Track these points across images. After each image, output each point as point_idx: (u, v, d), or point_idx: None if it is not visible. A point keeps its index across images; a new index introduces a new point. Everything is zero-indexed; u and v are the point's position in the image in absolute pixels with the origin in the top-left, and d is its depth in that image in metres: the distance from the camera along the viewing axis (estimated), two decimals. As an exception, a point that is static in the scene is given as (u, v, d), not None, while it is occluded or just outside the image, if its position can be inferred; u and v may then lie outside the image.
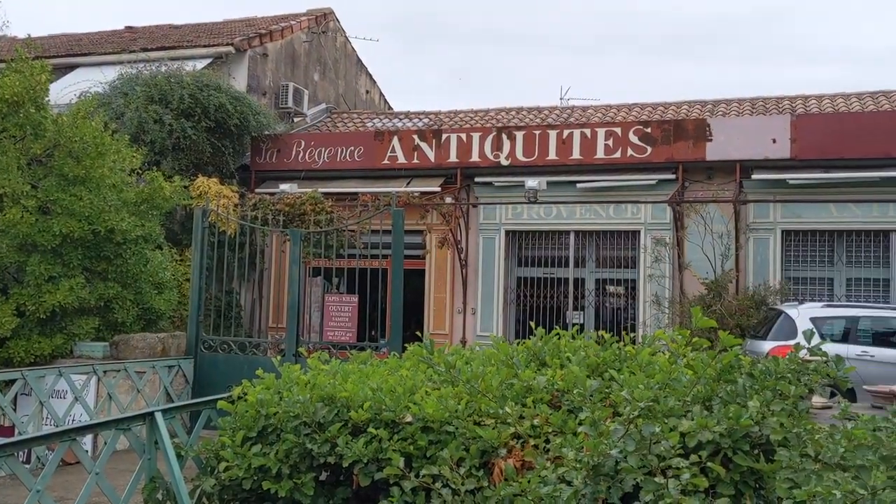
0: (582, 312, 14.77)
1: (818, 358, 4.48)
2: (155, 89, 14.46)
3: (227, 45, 16.56)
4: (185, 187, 12.67)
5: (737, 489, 3.68)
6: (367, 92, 22.36)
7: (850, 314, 10.97)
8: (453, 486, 3.81)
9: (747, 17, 53.65)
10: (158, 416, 4.91)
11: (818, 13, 53.24)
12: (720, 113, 15.67)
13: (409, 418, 4.19)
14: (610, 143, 14.11)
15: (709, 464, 3.53)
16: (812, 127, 13.14)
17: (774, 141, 13.11)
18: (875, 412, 6.25)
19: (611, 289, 15.13)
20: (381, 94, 23.27)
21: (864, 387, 9.64)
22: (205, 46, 16.82)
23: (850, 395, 10.09)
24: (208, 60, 16.48)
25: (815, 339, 4.36)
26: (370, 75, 22.54)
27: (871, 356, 10.42)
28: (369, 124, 18.13)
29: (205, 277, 10.79)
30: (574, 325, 6.59)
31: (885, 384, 8.83)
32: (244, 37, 16.86)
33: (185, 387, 10.18)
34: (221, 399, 5.02)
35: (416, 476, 3.93)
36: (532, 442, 4.00)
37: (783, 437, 3.71)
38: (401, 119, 18.46)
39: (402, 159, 15.28)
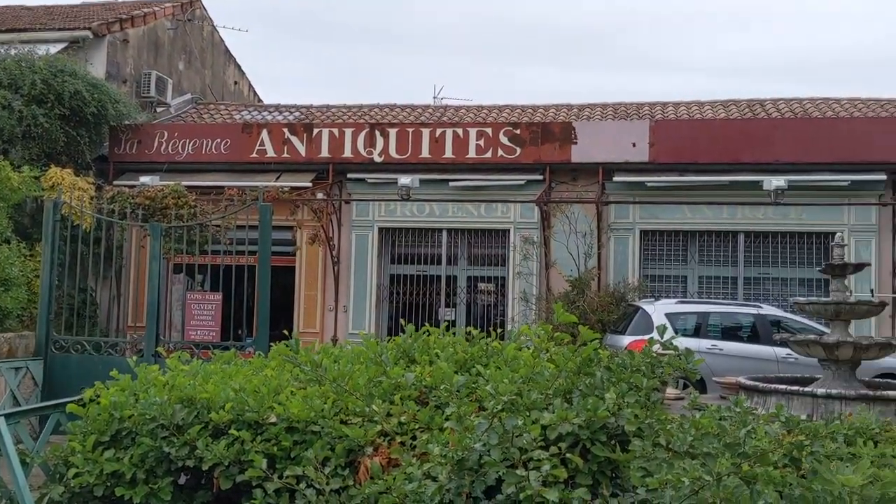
0: (454, 309, 14.95)
1: (671, 352, 4.68)
2: (4, 73, 13.49)
3: (85, 28, 15.66)
4: (36, 178, 11.89)
5: (594, 479, 3.79)
6: (236, 83, 21.72)
7: (701, 310, 11.65)
8: (318, 487, 3.75)
9: (609, 28, 55.98)
10: (1, 420, 4.58)
11: (675, 26, 56.19)
12: (585, 117, 16.25)
13: (272, 419, 4.09)
14: (481, 143, 14.35)
15: (568, 455, 3.62)
16: (669, 132, 13.86)
17: (634, 145, 13.72)
18: (723, 402, 6.67)
19: (482, 286, 15.40)
20: (251, 87, 22.67)
21: (714, 378, 10.26)
22: (60, 30, 15.83)
23: (701, 387, 10.71)
24: (63, 45, 15.52)
25: (669, 334, 4.56)
26: (239, 66, 21.91)
27: (720, 349, 11.10)
28: (237, 116, 17.61)
29: (56, 274, 10.15)
30: (445, 321, 6.64)
31: (732, 376, 9.43)
32: (103, 21, 15.99)
33: (35, 390, 9.54)
34: (71, 402, 4.73)
35: (280, 477, 3.85)
36: (399, 439, 3.99)
37: (637, 427, 3.85)
38: (271, 112, 18.05)
39: (271, 153, 14.94)
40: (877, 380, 9.88)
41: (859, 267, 9.26)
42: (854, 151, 12.92)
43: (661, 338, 4.63)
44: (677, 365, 4.63)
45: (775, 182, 11.96)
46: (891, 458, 5.16)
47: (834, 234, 9.78)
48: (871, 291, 12.45)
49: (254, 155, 14.99)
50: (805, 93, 18.40)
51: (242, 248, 9.88)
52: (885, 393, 7.82)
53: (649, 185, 13.73)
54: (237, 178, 14.61)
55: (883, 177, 12.88)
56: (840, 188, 13.04)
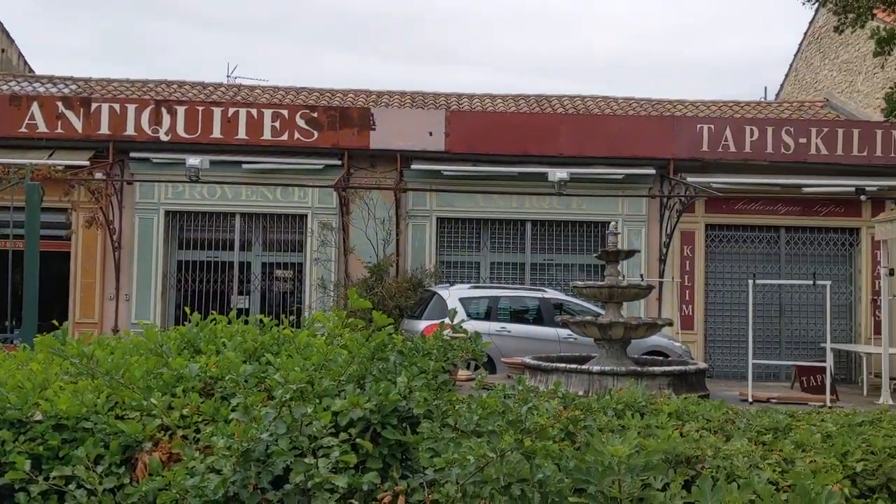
0: (248, 297, 14.50)
1: (461, 335, 4.79)
2: None
3: None
4: None
5: (385, 462, 3.81)
6: (3, 51, 19.62)
7: (492, 294, 12.14)
8: (89, 487, 3.47)
9: (408, 18, 56.76)
10: None
11: (467, 22, 58.04)
12: (384, 104, 16.35)
13: (38, 416, 3.74)
14: (277, 125, 13.99)
15: (358, 440, 3.61)
16: (464, 123, 14.27)
17: (431, 134, 14.00)
18: (509, 381, 7.00)
19: (278, 273, 15.05)
20: (21, 55, 20.58)
21: (502, 359, 10.74)
22: None
23: (491, 367, 11.16)
24: None
25: (459, 318, 4.67)
26: (7, 32, 19.80)
27: (509, 331, 11.63)
28: (4, 87, 15.94)
29: None
30: (236, 309, 6.40)
31: (519, 356, 9.92)
32: None
33: None
34: None
35: (46, 479, 3.52)
36: (181, 433, 3.79)
37: (426, 409, 3.91)
38: (43, 84, 16.50)
39: (43, 128, 13.65)
40: (645, 357, 10.81)
41: (630, 253, 10.07)
42: (628, 147, 14.00)
43: (452, 321, 4.74)
44: (466, 347, 4.76)
45: (559, 174, 12.68)
46: (655, 428, 5.64)
47: (609, 223, 10.56)
48: (641, 276, 13.59)
49: (23, 129, 13.62)
50: (585, 91, 19.65)
51: (6, 232, 8.95)
52: (651, 369, 8.56)
53: (445, 173, 14.06)
54: (3, 155, 13.22)
55: (652, 171, 14.07)
56: (615, 181, 14.08)
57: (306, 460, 3.33)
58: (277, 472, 3.35)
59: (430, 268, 13.95)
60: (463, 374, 8.29)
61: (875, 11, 6.44)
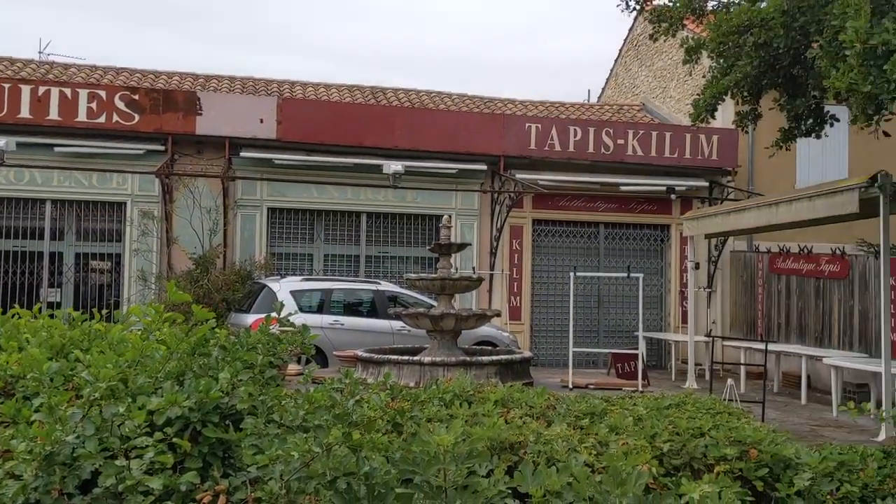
0: (60, 290, 13.48)
1: (289, 328, 4.69)
2: None
3: None
4: None
5: (206, 462, 3.67)
6: None
7: (325, 287, 12.00)
8: None
9: (239, 1, 54.92)
10: None
11: (297, 7, 57.04)
12: (212, 88, 15.71)
13: None
14: (94, 106, 13.07)
15: (175, 440, 3.45)
16: (297, 111, 13.97)
17: (262, 121, 13.60)
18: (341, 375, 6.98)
19: (94, 264, 14.10)
20: None
21: (334, 352, 10.65)
22: None
23: (323, 361, 11.05)
24: None
25: (292, 311, 4.57)
26: None
27: (342, 324, 11.55)
28: None
29: None
30: (45, 303, 5.92)
31: (353, 349, 9.87)
32: None
33: None
34: None
35: None
36: (-26, 438, 3.45)
37: (251, 405, 3.80)
38: None
39: None
40: (475, 347, 11.10)
41: (462, 247, 10.28)
42: (461, 142, 14.28)
43: (279, 314, 4.63)
44: (294, 341, 4.67)
45: (394, 166, 12.73)
46: (482, 416, 5.79)
47: (442, 216, 10.73)
48: (473, 269, 13.93)
49: None
50: (419, 86, 19.85)
51: None
52: (479, 359, 8.78)
53: (277, 162, 13.72)
54: None
55: (484, 167, 14.44)
56: (449, 175, 14.33)
57: (117, 462, 3.13)
58: (85, 475, 3.13)
59: (261, 259, 13.59)
60: (293, 368, 8.14)
61: (686, 21, 6.92)
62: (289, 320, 4.37)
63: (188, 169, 13.47)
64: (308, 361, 9.92)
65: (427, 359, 8.51)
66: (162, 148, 13.42)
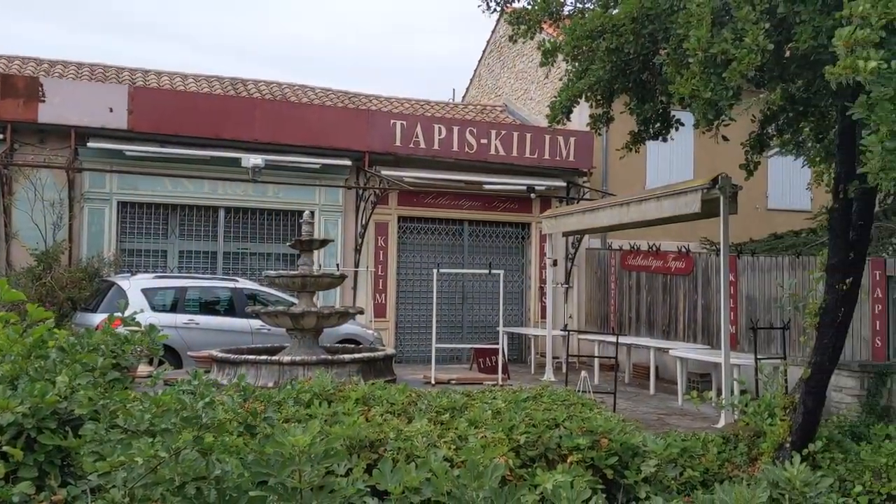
0: None
1: (135, 327, 4.47)
2: None
3: None
4: None
5: (42, 470, 3.45)
6: None
7: (180, 285, 11.52)
8: None
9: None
10: None
11: (165, -7, 54.64)
12: (56, 74, 14.73)
13: None
14: (-82, 88, 11.95)
15: (6, 448, 3.21)
16: (150, 100, 13.32)
17: (112, 110, 12.88)
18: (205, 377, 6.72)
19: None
20: None
21: (189, 353, 10.24)
22: None
23: (177, 362, 10.61)
24: None
25: (141, 309, 4.33)
26: None
27: (197, 324, 11.13)
28: None
29: None
30: None
31: (210, 349, 9.52)
32: None
33: None
34: None
35: None
36: None
37: (92, 410, 3.60)
38: None
39: None
40: (338, 345, 10.98)
41: (324, 243, 10.13)
42: (325, 137, 14.07)
43: (124, 313, 4.39)
44: (141, 341, 4.45)
45: (253, 160, 12.38)
46: (342, 415, 5.73)
47: (304, 212, 10.53)
48: (337, 266, 13.77)
49: None
50: (282, 78, 19.44)
51: None
52: (341, 357, 8.69)
53: (128, 153, 13.03)
54: None
55: (348, 162, 14.29)
56: (312, 170, 14.09)
57: (-66, 477, 2.86)
58: None
59: (110, 256, 12.86)
60: (144, 369, 7.75)
61: (543, 25, 7.09)
62: (134, 319, 4.15)
63: (29, 159, 12.56)
64: (161, 363, 9.51)
65: (286, 358, 8.32)
66: (0, 137, 12.44)
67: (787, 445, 6.56)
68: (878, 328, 9.63)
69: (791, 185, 16.49)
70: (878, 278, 9.65)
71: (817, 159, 7.68)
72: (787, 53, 5.25)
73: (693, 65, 5.01)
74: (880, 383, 9.34)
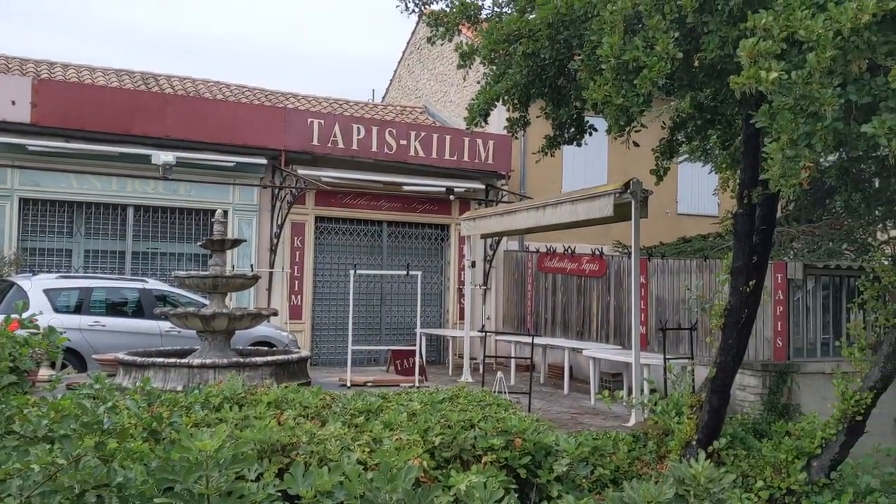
0: None
1: (33, 329, 4.27)
2: None
3: None
4: None
5: (-75, 483, 3.25)
6: None
7: (85, 285, 11.08)
8: None
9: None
10: None
11: (73, -18, 52.59)
12: (-47, 62, 13.97)
13: None
14: None
15: None
16: (55, 93, 12.77)
17: (14, 103, 12.29)
18: (109, 380, 6.46)
19: None
20: None
21: (94, 356, 9.86)
22: None
23: (81, 365, 10.20)
24: None
25: (42, 311, 4.14)
26: None
27: (104, 325, 10.73)
28: None
29: None
30: None
31: (118, 352, 9.18)
32: None
33: None
34: None
35: None
36: None
37: (-19, 416, 3.40)
38: None
39: None
40: (251, 348, 10.76)
41: (237, 242, 9.91)
42: (240, 135, 13.77)
43: (21, 315, 4.19)
44: (39, 344, 4.25)
45: (164, 157, 12.01)
46: (253, 419, 5.61)
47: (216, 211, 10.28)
48: (252, 266, 13.50)
49: None
50: (196, 74, 18.92)
51: None
52: (253, 359, 8.50)
53: (31, 148, 12.44)
54: None
55: (264, 161, 14.02)
56: (226, 168, 13.76)
57: None
58: None
59: (10, 255, 12.26)
60: (45, 373, 7.40)
61: (461, 27, 7.12)
62: (31, 321, 3.96)
63: (-79, 152, 11.87)
64: (64, 366, 9.11)
65: (196, 361, 8.08)
66: None
67: (694, 443, 6.78)
68: (779, 329, 10.05)
69: (700, 191, 17.07)
70: (779, 281, 10.07)
71: (724, 166, 7.96)
72: (696, 63, 5.40)
73: (606, 71, 5.12)
74: (781, 382, 9.76)
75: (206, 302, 10.61)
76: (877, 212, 11.18)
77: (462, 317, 14.79)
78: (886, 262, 7.65)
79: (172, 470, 3.66)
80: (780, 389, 9.69)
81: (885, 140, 4.08)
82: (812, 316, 10.52)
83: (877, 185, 9.31)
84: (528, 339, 11.60)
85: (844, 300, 10.44)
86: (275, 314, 10.51)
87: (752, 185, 6.44)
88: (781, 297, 10.06)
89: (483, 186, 15.78)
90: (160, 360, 8.25)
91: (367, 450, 5.07)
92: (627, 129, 5.74)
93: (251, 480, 4.16)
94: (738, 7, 4.70)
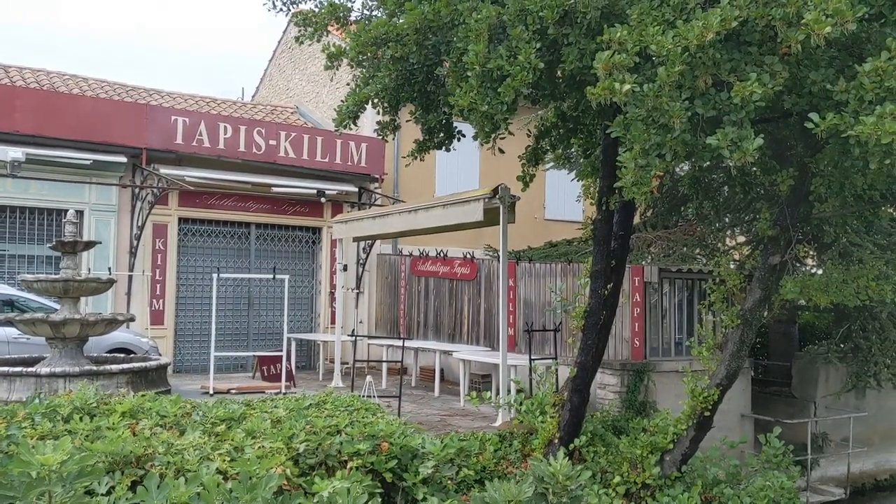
0: None
1: None
2: None
3: None
4: None
5: None
6: None
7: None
8: None
9: None
10: None
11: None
12: None
13: None
14: None
15: None
16: None
17: None
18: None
19: None
20: None
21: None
22: None
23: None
24: None
25: None
26: None
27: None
28: None
29: None
30: None
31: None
32: None
33: None
34: None
35: None
36: None
37: None
38: None
39: None
40: (107, 355, 10.22)
41: (91, 244, 9.40)
42: (97, 131, 13.07)
43: None
44: None
45: (12, 153, 11.24)
46: (106, 429, 5.32)
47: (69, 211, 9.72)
48: (109, 269, 12.82)
49: None
50: (51, 67, 17.82)
51: None
52: (108, 367, 8.09)
53: None
54: None
55: (124, 159, 13.37)
56: (82, 166, 13.03)
57: None
58: None
59: None
60: None
61: (330, 28, 7.05)
62: None
63: None
64: None
65: (45, 370, 7.59)
66: None
67: (556, 441, 6.99)
68: (636, 330, 10.52)
69: (566, 197, 17.64)
70: (637, 284, 10.55)
71: (585, 173, 8.26)
72: (559, 73, 5.58)
73: (471, 78, 5.20)
74: (638, 380, 10.22)
75: (58, 307, 10.02)
76: (725, 219, 11.96)
77: (334, 321, 14.64)
78: (732, 267, 8.17)
79: (11, 486, 3.43)
80: (637, 387, 10.14)
81: (727, 152, 4.35)
82: (667, 317, 11.08)
83: (725, 193, 9.94)
84: (399, 343, 11.63)
85: (696, 302, 11.06)
86: (132, 320, 10.04)
87: (609, 193, 6.71)
88: (638, 300, 10.54)
89: (356, 189, 15.69)
90: (4, 368, 7.69)
91: (228, 459, 4.93)
92: (493, 135, 5.84)
93: (101, 494, 3.96)
94: (595, 21, 4.89)
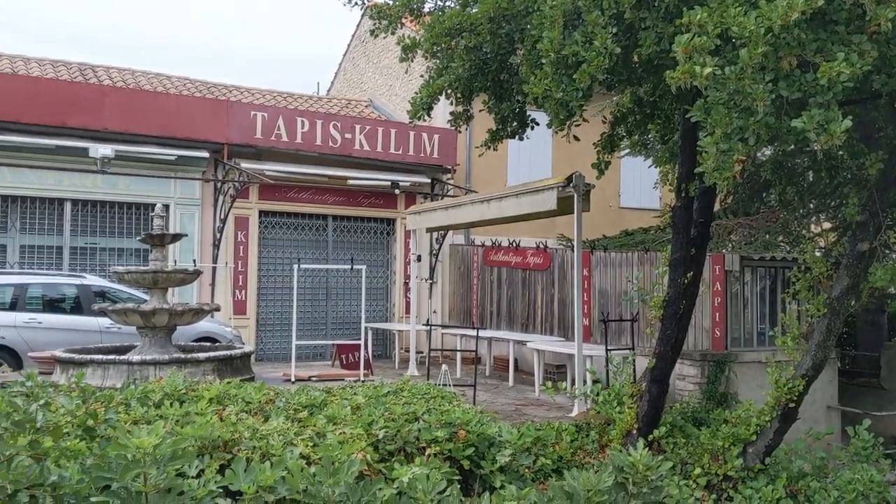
0: None
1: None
2: None
3: None
4: None
5: None
6: None
7: (19, 281, 10.79)
8: None
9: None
10: None
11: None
12: None
13: None
14: None
15: None
16: (-14, 84, 12.36)
17: (-60, 94, 11.86)
18: (45, 377, 6.28)
19: None
20: None
21: (30, 353, 9.61)
22: None
23: (18, 363, 9.94)
24: None
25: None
26: None
27: (40, 322, 10.45)
28: None
29: None
30: None
31: (56, 349, 8.94)
32: None
33: None
34: None
35: None
36: None
37: None
38: None
39: None
40: (194, 344, 10.59)
41: (178, 237, 9.74)
42: (181, 128, 13.53)
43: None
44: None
45: (102, 150, 11.73)
46: (195, 415, 5.53)
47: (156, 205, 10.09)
48: (194, 261, 13.27)
49: None
50: (138, 66, 18.51)
51: None
52: (195, 355, 8.38)
53: (-37, 141, 12.04)
54: None
55: (206, 154, 13.80)
56: (167, 161, 13.51)
57: None
58: None
59: (-60, 251, 11.87)
60: (-23, 372, 7.20)
61: (404, 21, 7.11)
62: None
63: None
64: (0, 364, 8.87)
65: (136, 357, 7.93)
66: None
67: (635, 432, 6.91)
68: (717, 319, 10.30)
69: (642, 185, 17.35)
70: (717, 273, 10.32)
71: (663, 160, 8.11)
72: (635, 58, 5.49)
73: (546, 65, 5.17)
74: (719, 371, 10.00)
75: (147, 298, 10.43)
76: (810, 205, 11.55)
77: (408, 311, 14.79)
78: (817, 254, 7.90)
79: (109, 468, 3.59)
80: (717, 378, 9.93)
81: (813, 135, 4.21)
82: (749, 306, 10.81)
83: (810, 178, 9.61)
84: (473, 333, 11.67)
85: (780, 291, 10.75)
86: (217, 310, 10.37)
87: (689, 179, 6.58)
88: (719, 289, 10.31)
89: (428, 180, 15.79)
90: (99, 356, 8.07)
91: (310, 444, 5.05)
92: (568, 123, 5.80)
93: (192, 477, 4.11)
94: (673, 4, 4.79)
